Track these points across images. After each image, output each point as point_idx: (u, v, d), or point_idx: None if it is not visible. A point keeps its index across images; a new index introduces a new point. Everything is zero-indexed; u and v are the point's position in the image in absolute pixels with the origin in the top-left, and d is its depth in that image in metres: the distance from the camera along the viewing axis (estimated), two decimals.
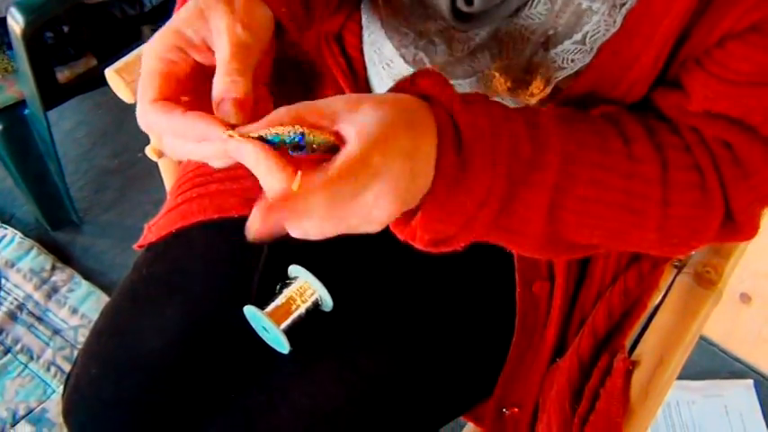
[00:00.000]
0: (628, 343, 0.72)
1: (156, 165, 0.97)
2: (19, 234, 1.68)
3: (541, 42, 0.57)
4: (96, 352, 0.76)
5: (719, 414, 1.41)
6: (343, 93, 0.73)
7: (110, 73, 0.79)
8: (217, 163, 0.47)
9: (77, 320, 1.54)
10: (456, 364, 0.75)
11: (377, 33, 0.68)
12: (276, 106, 0.45)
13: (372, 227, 0.45)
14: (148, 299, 0.75)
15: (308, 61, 0.75)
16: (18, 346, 1.50)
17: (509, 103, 0.64)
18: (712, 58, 0.53)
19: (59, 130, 1.85)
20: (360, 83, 0.73)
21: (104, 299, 1.56)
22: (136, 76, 0.79)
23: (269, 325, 0.69)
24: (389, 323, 0.74)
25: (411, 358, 0.72)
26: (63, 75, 1.43)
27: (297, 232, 0.44)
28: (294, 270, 0.73)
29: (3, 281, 1.60)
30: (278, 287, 0.73)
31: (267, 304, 0.71)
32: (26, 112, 1.44)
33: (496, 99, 0.64)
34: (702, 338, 1.50)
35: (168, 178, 0.97)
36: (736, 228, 0.56)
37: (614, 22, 0.54)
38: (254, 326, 0.72)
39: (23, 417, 1.40)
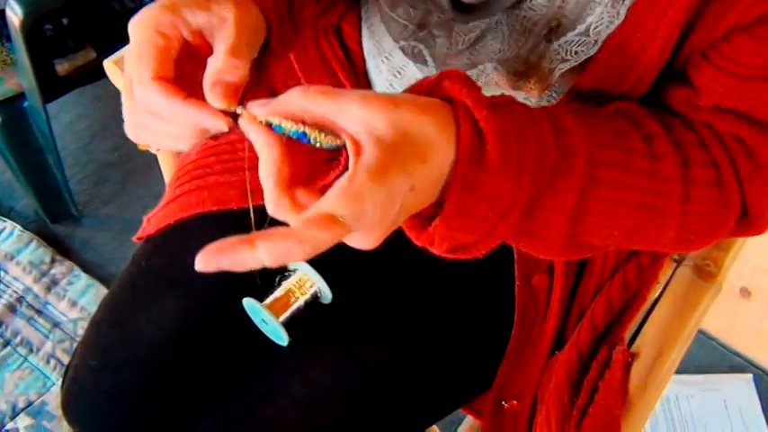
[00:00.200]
0: (627, 336, 0.72)
1: (155, 158, 0.97)
2: (18, 227, 1.68)
3: (544, 34, 0.57)
4: (95, 344, 0.76)
5: (718, 408, 1.41)
6: (341, 86, 0.72)
7: (108, 64, 0.79)
8: (172, 145, 0.48)
9: (77, 313, 1.54)
10: (455, 356, 0.75)
11: (376, 26, 0.67)
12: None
13: (368, 245, 0.45)
14: (147, 291, 0.75)
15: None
16: (17, 339, 1.50)
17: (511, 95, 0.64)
18: (720, 53, 0.53)
19: (59, 122, 1.85)
20: (359, 76, 0.72)
21: (104, 291, 1.56)
22: None
23: (268, 317, 0.69)
24: (388, 316, 0.74)
25: (410, 350, 0.72)
26: (62, 67, 1.42)
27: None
28: (293, 262, 0.73)
29: (2, 273, 1.60)
30: (277, 279, 0.73)
31: (266, 296, 0.71)
32: (25, 104, 1.44)
33: (498, 92, 0.64)
34: (702, 333, 1.50)
35: (167, 170, 0.97)
36: (749, 222, 0.56)
37: (618, 13, 0.53)
38: (252, 318, 0.72)
39: (23, 409, 1.40)
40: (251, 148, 0.78)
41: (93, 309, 1.25)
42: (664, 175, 0.52)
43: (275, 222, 0.44)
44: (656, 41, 0.52)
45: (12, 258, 1.62)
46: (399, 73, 0.68)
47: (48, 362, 1.47)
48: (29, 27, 1.23)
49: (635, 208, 0.52)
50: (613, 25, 0.54)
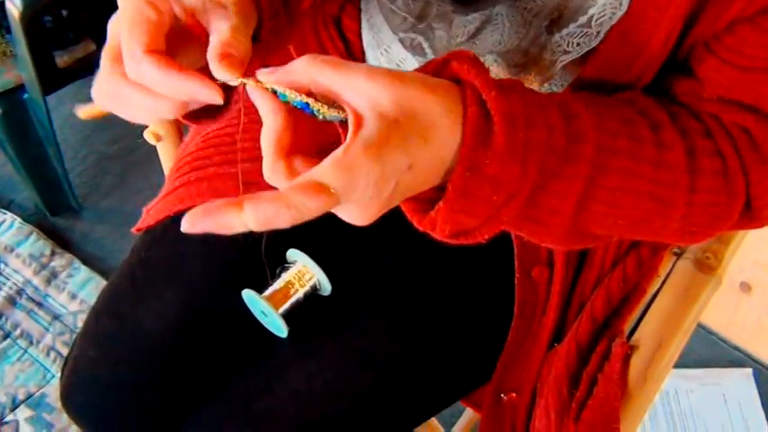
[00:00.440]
0: (627, 328, 0.72)
1: (155, 150, 0.97)
2: (18, 219, 1.68)
3: (545, 26, 0.57)
4: (94, 335, 0.76)
5: (718, 403, 1.41)
6: None
7: None
8: (148, 118, 0.48)
9: (77, 306, 1.54)
10: (454, 349, 0.74)
11: (375, 18, 0.67)
12: None
13: (361, 221, 0.44)
14: (146, 282, 0.75)
15: None
16: (17, 331, 1.50)
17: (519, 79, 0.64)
18: (723, 44, 0.52)
19: (59, 115, 1.84)
20: None
21: (103, 284, 1.54)
22: None
23: (267, 309, 0.69)
24: (388, 308, 0.73)
25: (409, 343, 0.72)
26: (62, 59, 1.42)
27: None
28: (293, 254, 0.73)
29: (2, 266, 1.60)
30: (278, 271, 0.73)
31: (265, 288, 0.71)
32: (25, 96, 1.44)
33: None
34: (702, 327, 1.50)
35: (167, 162, 0.97)
36: (752, 215, 0.56)
37: (620, 4, 0.53)
38: (252, 310, 0.71)
39: (23, 401, 1.41)
40: (244, 139, 0.78)
41: (93, 301, 1.26)
42: (671, 165, 0.51)
43: None
44: (659, 33, 0.52)
45: (12, 251, 1.62)
46: (398, 66, 0.68)
47: (48, 354, 1.47)
48: (28, 19, 1.23)
49: (641, 197, 0.51)
50: (616, 16, 0.53)
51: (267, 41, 0.55)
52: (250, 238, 0.74)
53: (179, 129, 0.95)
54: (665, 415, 1.40)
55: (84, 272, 1.59)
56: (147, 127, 0.93)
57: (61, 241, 1.66)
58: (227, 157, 0.78)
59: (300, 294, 0.72)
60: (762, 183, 0.54)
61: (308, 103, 0.43)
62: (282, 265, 0.73)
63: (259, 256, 0.71)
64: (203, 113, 0.52)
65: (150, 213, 0.80)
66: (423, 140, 0.42)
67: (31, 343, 1.49)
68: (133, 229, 0.82)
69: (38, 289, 1.57)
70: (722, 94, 0.54)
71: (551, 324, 0.71)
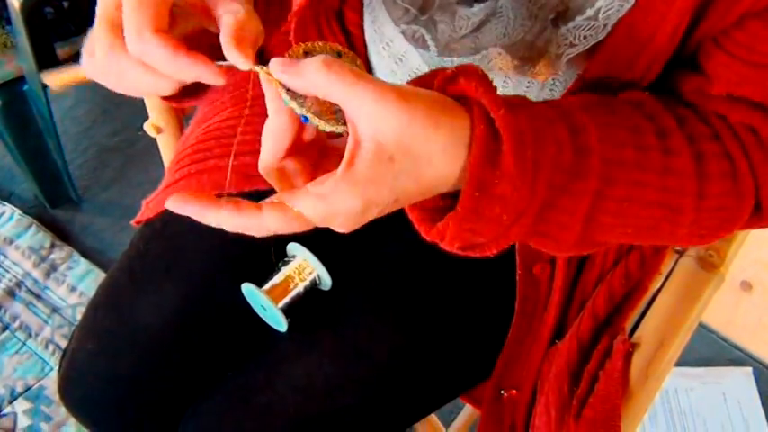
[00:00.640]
0: (628, 326, 0.72)
1: (155, 143, 0.97)
2: (18, 211, 1.67)
3: (551, 19, 0.56)
4: (92, 328, 0.75)
5: (718, 401, 1.41)
6: None
7: None
8: (146, 93, 0.49)
9: (76, 298, 1.54)
10: (455, 345, 0.74)
11: (377, 11, 0.67)
12: None
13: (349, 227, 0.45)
14: (145, 275, 0.74)
15: None
16: (16, 323, 1.50)
17: (514, 81, 0.63)
18: (733, 40, 0.52)
19: (59, 107, 1.84)
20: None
21: (103, 277, 1.54)
22: None
23: (267, 303, 0.69)
24: (388, 303, 0.73)
25: (409, 338, 0.72)
26: (63, 51, 1.41)
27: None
28: (293, 248, 0.73)
29: (2, 258, 1.60)
30: (279, 264, 0.72)
31: (265, 282, 0.71)
32: (25, 88, 1.43)
33: (501, 77, 0.63)
34: (702, 326, 1.50)
35: (167, 155, 0.96)
36: (762, 215, 0.55)
37: None
38: (251, 304, 0.71)
39: (21, 393, 1.41)
40: (246, 132, 0.78)
41: (92, 294, 1.25)
42: (678, 171, 0.51)
43: None
44: (666, 26, 0.51)
45: (11, 243, 1.62)
46: (401, 60, 0.67)
47: (46, 347, 1.47)
48: (29, 10, 1.22)
49: (649, 206, 0.51)
50: (624, 9, 0.53)
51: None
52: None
53: (179, 121, 0.94)
54: (664, 413, 1.40)
55: (83, 264, 1.59)
56: (147, 119, 0.92)
57: (61, 233, 1.66)
58: (228, 150, 0.78)
59: (300, 288, 0.71)
60: None
61: (307, 117, 0.43)
62: (282, 258, 0.73)
63: (259, 250, 0.71)
64: (186, 91, 0.52)
65: (150, 206, 0.80)
66: (413, 181, 0.43)
67: (30, 335, 1.48)
68: (132, 222, 0.81)
69: (37, 281, 1.56)
70: (730, 91, 0.53)
71: (552, 321, 0.71)
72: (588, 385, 0.67)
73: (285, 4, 0.68)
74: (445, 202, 0.46)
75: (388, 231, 0.76)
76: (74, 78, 1.02)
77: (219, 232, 0.74)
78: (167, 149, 0.95)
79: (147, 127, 0.92)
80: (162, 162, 0.98)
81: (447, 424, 1.08)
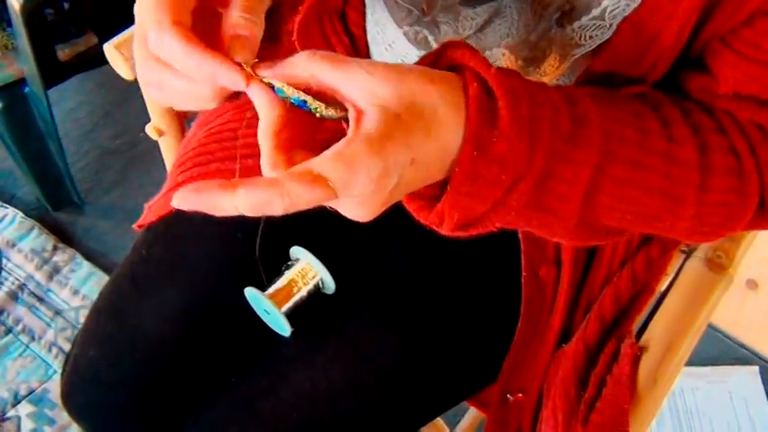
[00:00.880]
0: (635, 328, 0.71)
1: (157, 145, 0.96)
2: (20, 214, 1.67)
3: (556, 18, 0.55)
4: (95, 334, 0.75)
5: (724, 400, 1.40)
6: None
7: (108, 48, 0.78)
8: (192, 105, 0.46)
9: (79, 301, 1.53)
10: (460, 348, 0.73)
11: (379, 12, 0.66)
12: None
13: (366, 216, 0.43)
14: (148, 280, 0.74)
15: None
16: (19, 327, 1.50)
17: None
18: (742, 39, 0.51)
19: (61, 109, 1.84)
20: None
21: (106, 280, 1.54)
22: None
23: (270, 307, 0.68)
24: (392, 306, 0.72)
25: (414, 342, 0.71)
26: (64, 53, 1.41)
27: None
28: (296, 252, 0.72)
29: (4, 261, 1.60)
30: (283, 268, 0.72)
31: (269, 286, 0.70)
32: (26, 90, 1.43)
33: None
34: (708, 324, 1.49)
35: (169, 158, 0.95)
36: (766, 215, 0.55)
37: None
38: (255, 308, 0.71)
39: (25, 397, 1.40)
40: (247, 134, 0.77)
41: (95, 297, 1.25)
42: (681, 161, 0.50)
43: (269, 219, 0.43)
44: (672, 26, 0.51)
45: (13, 246, 1.62)
46: (404, 60, 0.67)
47: (49, 350, 1.46)
48: (29, 12, 1.22)
49: (650, 192, 0.50)
50: (630, 8, 0.52)
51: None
52: (252, 236, 0.73)
53: (181, 124, 0.93)
54: (670, 413, 1.39)
55: (86, 267, 1.58)
56: (149, 122, 0.92)
57: (63, 236, 1.66)
58: (231, 153, 0.77)
59: (304, 292, 0.71)
60: None
61: (305, 101, 0.42)
62: (286, 262, 0.72)
63: (262, 254, 0.70)
64: None
65: (152, 210, 0.80)
66: (425, 134, 0.41)
67: (33, 338, 1.48)
68: (134, 226, 0.81)
69: (40, 284, 1.56)
70: (738, 90, 0.52)
71: (559, 324, 0.70)
72: (596, 390, 0.67)
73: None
74: (442, 191, 0.45)
75: (392, 234, 0.76)
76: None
77: (222, 236, 0.74)
78: (169, 152, 0.94)
79: (149, 130, 0.91)
80: (164, 164, 0.98)
81: (452, 426, 1.07)
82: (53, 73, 1.38)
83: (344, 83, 0.41)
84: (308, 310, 0.71)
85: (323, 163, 0.39)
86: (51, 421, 1.37)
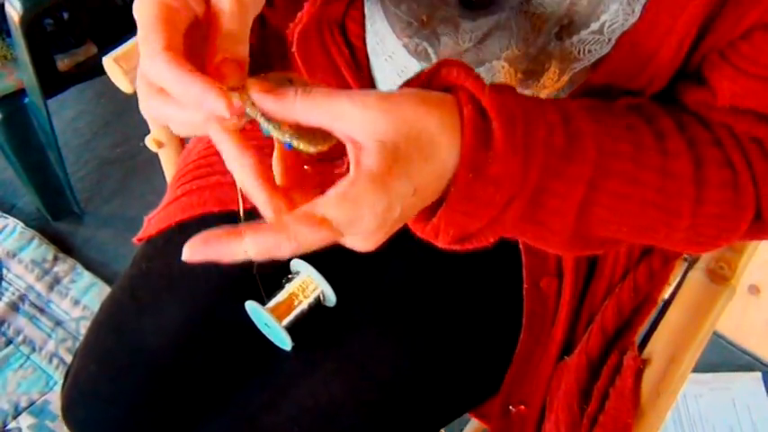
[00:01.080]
0: (637, 339, 0.71)
1: (157, 155, 0.96)
2: (20, 224, 1.67)
3: (555, 32, 0.55)
4: (95, 348, 0.75)
5: (727, 407, 1.40)
6: (345, 83, 0.71)
7: (108, 61, 0.78)
8: (180, 130, 0.45)
9: (79, 312, 1.53)
10: (462, 360, 0.73)
11: (379, 23, 0.66)
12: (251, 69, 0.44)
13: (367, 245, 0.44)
14: (148, 294, 0.74)
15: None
16: (20, 338, 1.49)
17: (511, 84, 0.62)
18: (739, 53, 0.51)
19: (60, 119, 1.84)
20: (363, 73, 0.71)
21: (106, 290, 1.55)
22: (134, 65, 0.78)
23: (270, 321, 0.68)
24: (394, 319, 0.72)
25: (415, 355, 0.71)
26: (63, 63, 1.41)
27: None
28: (296, 265, 0.72)
29: (4, 271, 1.59)
30: (283, 281, 0.71)
31: (269, 299, 0.70)
32: (26, 100, 1.43)
33: None
34: None
35: (169, 169, 0.95)
36: (763, 226, 0.55)
37: (633, 11, 0.52)
38: (255, 322, 0.70)
39: (25, 409, 1.40)
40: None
41: (96, 307, 1.24)
42: (676, 174, 0.50)
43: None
44: (671, 40, 0.51)
45: (14, 256, 1.61)
46: (403, 72, 0.67)
47: (50, 361, 1.46)
48: (29, 22, 1.22)
49: (645, 205, 0.50)
50: (628, 23, 0.52)
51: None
52: None
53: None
54: (673, 421, 1.39)
55: (86, 277, 1.58)
56: (148, 131, 0.92)
57: (63, 246, 1.65)
58: None
59: (305, 306, 0.71)
60: None
61: (290, 143, 0.42)
62: (287, 275, 0.72)
63: (262, 267, 0.70)
64: None
65: (152, 223, 0.79)
66: (424, 162, 0.42)
67: (34, 349, 1.48)
68: (134, 240, 0.80)
69: (40, 295, 1.56)
70: (735, 104, 0.52)
71: (561, 336, 0.70)
72: (599, 403, 0.66)
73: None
74: (438, 203, 0.45)
75: (393, 247, 0.75)
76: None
77: None
78: (169, 164, 0.94)
79: (149, 141, 0.91)
80: (164, 173, 0.97)
81: None
82: (53, 83, 1.38)
83: (340, 122, 0.41)
84: (308, 324, 0.70)
85: (328, 204, 0.39)
86: None
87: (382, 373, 0.70)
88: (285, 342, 0.69)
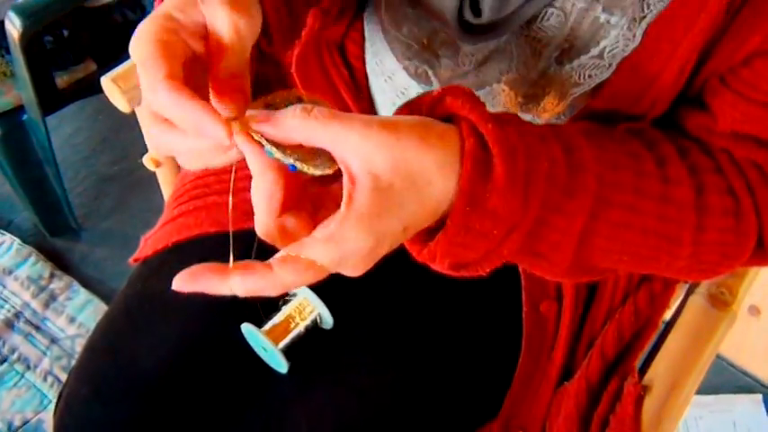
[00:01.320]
0: (637, 364, 0.70)
1: (155, 173, 0.95)
2: (17, 240, 1.66)
3: (555, 56, 0.55)
4: (88, 371, 0.74)
5: (728, 429, 1.39)
6: (345, 104, 0.71)
7: (106, 81, 0.77)
8: (187, 162, 0.46)
9: (75, 329, 1.52)
10: (460, 384, 0.72)
11: (378, 45, 0.66)
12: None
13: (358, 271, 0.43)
14: (143, 316, 0.73)
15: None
16: (15, 356, 1.48)
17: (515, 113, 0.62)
18: (740, 78, 0.51)
19: (59, 135, 1.84)
20: (362, 93, 0.71)
21: (103, 307, 1.54)
22: (132, 85, 0.77)
23: (267, 344, 0.67)
24: (391, 342, 0.71)
25: (413, 378, 0.70)
26: (62, 80, 1.41)
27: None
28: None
29: (0, 288, 1.58)
30: (280, 303, 0.71)
31: (265, 322, 0.69)
32: (24, 117, 1.42)
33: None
34: None
35: (166, 189, 0.95)
36: (765, 254, 0.54)
37: (633, 36, 0.52)
38: (252, 344, 0.70)
39: (19, 428, 1.38)
40: (241, 167, 0.77)
41: (92, 325, 1.23)
42: (677, 201, 0.50)
43: (263, 246, 0.44)
44: (672, 65, 0.51)
45: (10, 273, 1.60)
46: (402, 94, 0.66)
47: (45, 379, 1.45)
48: (28, 39, 1.22)
49: (645, 234, 0.50)
50: (629, 48, 0.52)
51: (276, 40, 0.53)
52: None
53: None
54: None
55: (83, 294, 1.57)
56: (147, 148, 0.91)
57: (60, 263, 1.64)
58: (227, 186, 0.77)
59: (301, 328, 0.70)
60: None
61: (293, 164, 0.42)
62: (283, 297, 0.71)
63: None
64: None
65: (148, 243, 0.79)
66: (418, 203, 0.42)
67: (29, 367, 1.46)
68: (130, 260, 0.80)
69: (36, 312, 1.54)
70: (736, 129, 0.52)
71: (560, 360, 0.69)
72: (599, 430, 0.65)
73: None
74: (437, 223, 0.45)
75: (390, 269, 0.75)
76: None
77: None
78: (166, 184, 0.94)
79: (146, 161, 0.90)
80: (162, 191, 0.97)
81: None
82: (51, 100, 1.38)
83: (339, 147, 0.41)
84: (305, 346, 0.70)
85: (314, 247, 0.40)
86: None
87: (379, 396, 0.69)
88: (281, 365, 0.68)
